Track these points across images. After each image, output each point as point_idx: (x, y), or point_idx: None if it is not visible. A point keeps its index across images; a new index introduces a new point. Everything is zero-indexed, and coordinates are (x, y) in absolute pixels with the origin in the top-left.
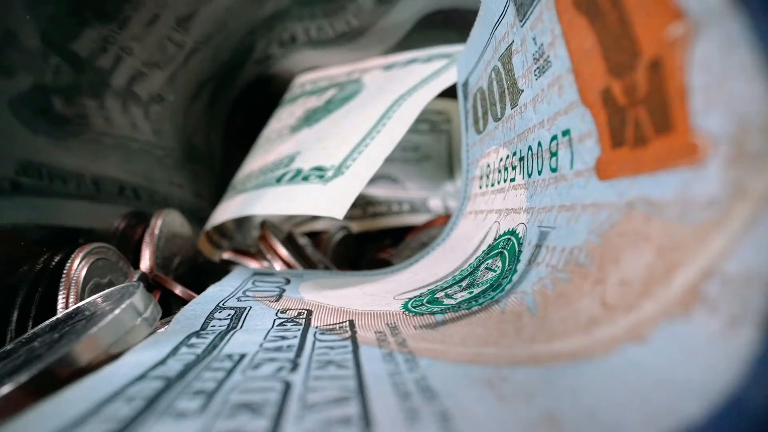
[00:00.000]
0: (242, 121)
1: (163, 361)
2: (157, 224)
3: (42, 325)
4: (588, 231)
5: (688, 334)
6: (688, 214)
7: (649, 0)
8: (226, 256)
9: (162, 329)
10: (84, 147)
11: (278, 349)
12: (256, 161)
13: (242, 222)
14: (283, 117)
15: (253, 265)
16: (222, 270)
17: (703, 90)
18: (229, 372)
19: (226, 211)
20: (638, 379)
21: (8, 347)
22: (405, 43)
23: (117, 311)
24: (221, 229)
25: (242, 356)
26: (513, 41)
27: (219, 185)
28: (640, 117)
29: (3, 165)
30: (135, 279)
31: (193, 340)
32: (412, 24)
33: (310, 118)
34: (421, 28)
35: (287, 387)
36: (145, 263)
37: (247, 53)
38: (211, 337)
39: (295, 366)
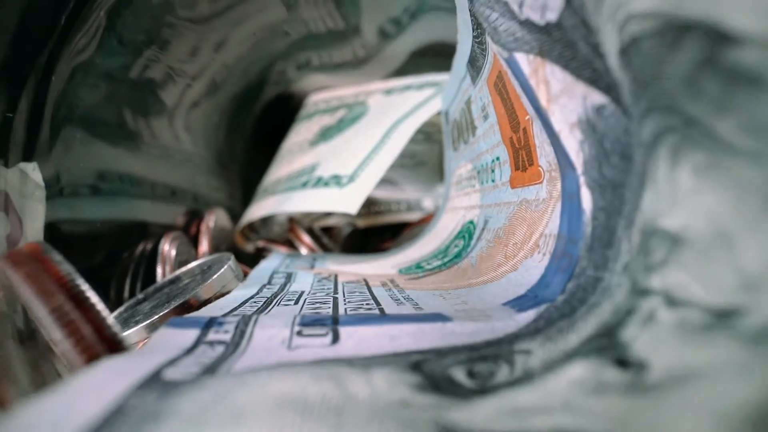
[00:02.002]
0: (264, 133)
1: (257, 293)
2: (211, 218)
3: (159, 283)
4: (505, 218)
5: (530, 263)
6: (537, 206)
7: (516, 101)
8: (261, 244)
9: (242, 283)
10: (144, 157)
11: (321, 289)
12: (281, 169)
13: (266, 219)
14: (302, 132)
15: (284, 250)
16: (253, 258)
17: (538, 147)
18: (299, 296)
19: (260, 210)
20: (508, 285)
21: (140, 296)
22: (404, 68)
23: (222, 269)
24: (251, 225)
25: (302, 292)
26: (471, 94)
27: (245, 188)
28: (523, 155)
29: (84, 173)
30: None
31: (267, 287)
32: (409, 54)
33: (326, 134)
34: (416, 57)
35: (335, 299)
36: (203, 248)
37: (268, 75)
38: (278, 286)
39: (336, 293)
